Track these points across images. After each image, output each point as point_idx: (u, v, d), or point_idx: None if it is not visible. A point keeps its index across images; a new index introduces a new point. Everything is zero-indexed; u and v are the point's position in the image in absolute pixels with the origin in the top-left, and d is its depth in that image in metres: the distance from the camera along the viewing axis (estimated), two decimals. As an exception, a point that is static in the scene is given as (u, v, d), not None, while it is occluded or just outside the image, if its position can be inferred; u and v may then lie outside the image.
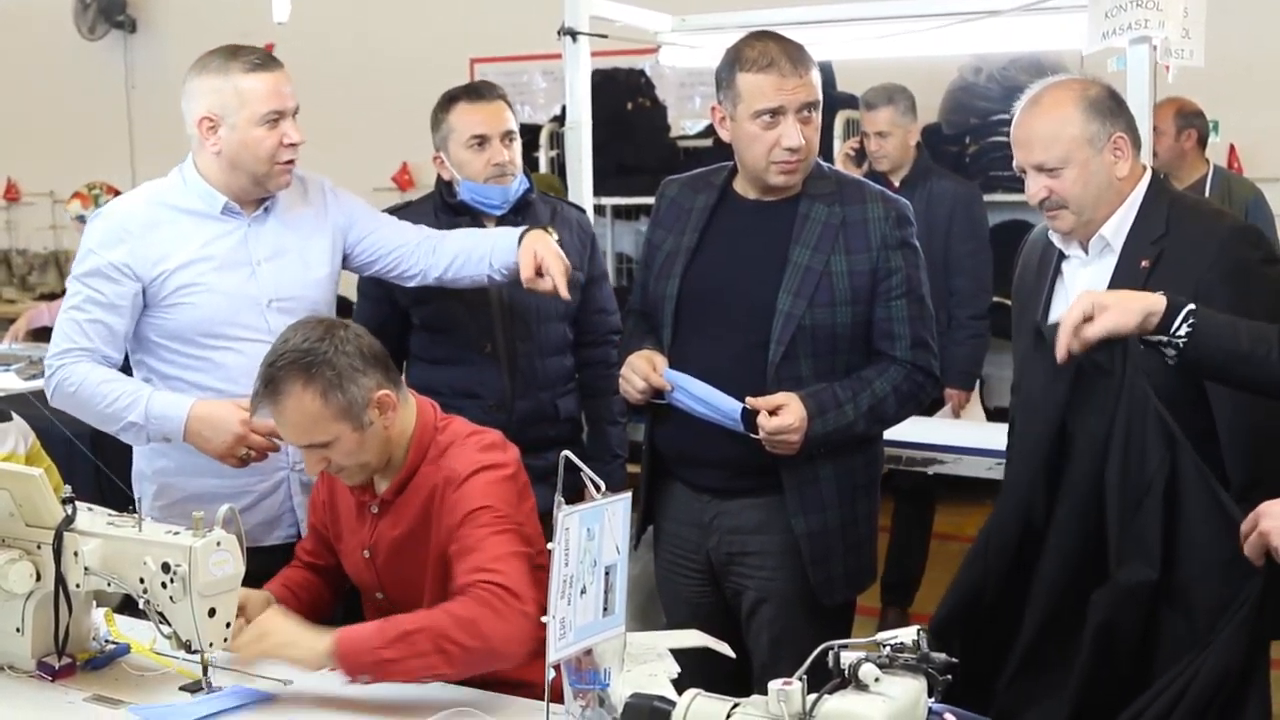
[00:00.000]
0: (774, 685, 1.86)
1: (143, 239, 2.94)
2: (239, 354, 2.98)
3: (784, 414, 2.84)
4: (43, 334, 6.32)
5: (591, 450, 3.64)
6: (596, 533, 1.89)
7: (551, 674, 1.99)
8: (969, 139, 6.82)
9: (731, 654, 2.27)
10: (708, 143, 6.92)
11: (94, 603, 2.59)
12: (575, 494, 1.92)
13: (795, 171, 2.93)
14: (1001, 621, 2.36)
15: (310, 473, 2.56)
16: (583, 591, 1.89)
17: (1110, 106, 2.68)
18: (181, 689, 2.44)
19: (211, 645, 2.37)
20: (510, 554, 2.46)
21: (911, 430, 3.61)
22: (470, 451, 2.58)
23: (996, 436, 3.45)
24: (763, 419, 2.84)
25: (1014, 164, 2.76)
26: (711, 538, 3.07)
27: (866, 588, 3.17)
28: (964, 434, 4.35)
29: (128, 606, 2.62)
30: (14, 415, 3.42)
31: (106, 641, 2.64)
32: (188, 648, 2.38)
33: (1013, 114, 2.76)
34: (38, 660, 2.50)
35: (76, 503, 2.49)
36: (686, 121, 7.58)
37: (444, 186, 3.51)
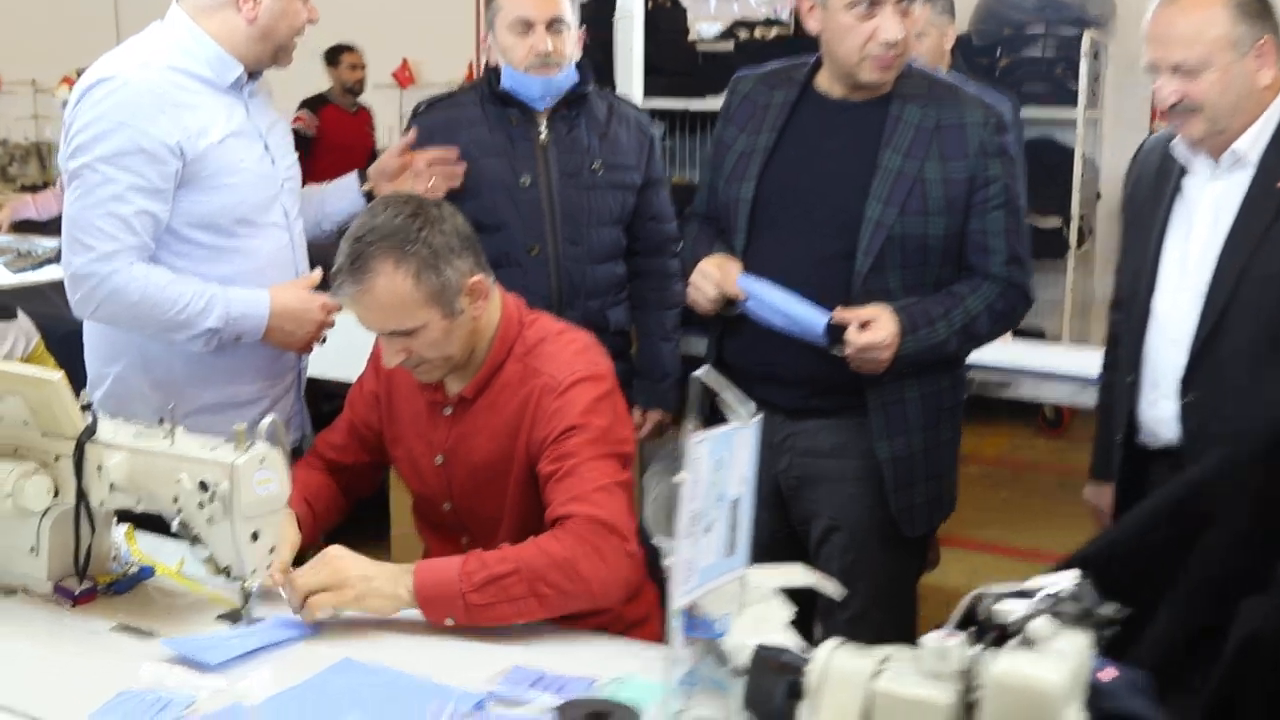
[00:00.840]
0: (930, 639, 1.61)
1: (181, 110, 2.58)
2: (268, 240, 2.73)
3: (875, 328, 2.60)
4: (26, 226, 6.00)
5: (641, 367, 3.40)
6: (724, 462, 1.62)
7: (676, 622, 1.74)
8: (1000, 51, 6.54)
9: (842, 593, 2.02)
10: (727, 46, 6.64)
11: (114, 520, 2.31)
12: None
13: (891, 68, 2.67)
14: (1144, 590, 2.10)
15: (387, 363, 2.29)
16: (707, 529, 1.63)
17: (1260, 8, 2.44)
18: (220, 618, 2.18)
19: (254, 573, 2.11)
20: (612, 484, 2.21)
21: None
22: (568, 355, 2.33)
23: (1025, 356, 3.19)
24: (852, 333, 2.59)
25: (1145, 62, 2.51)
26: (781, 460, 2.84)
27: (945, 519, 2.93)
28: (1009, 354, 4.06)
29: (144, 522, 2.35)
30: (20, 312, 3.09)
31: (128, 563, 2.38)
32: (227, 574, 2.12)
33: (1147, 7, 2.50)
34: (55, 584, 2.23)
35: (96, 411, 2.21)
36: (702, 25, 7.26)
37: (491, 74, 3.21)
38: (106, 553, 2.32)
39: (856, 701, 1.61)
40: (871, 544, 2.82)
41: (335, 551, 2.15)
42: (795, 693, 1.68)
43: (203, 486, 2.05)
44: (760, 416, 1.72)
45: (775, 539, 2.94)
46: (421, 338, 2.23)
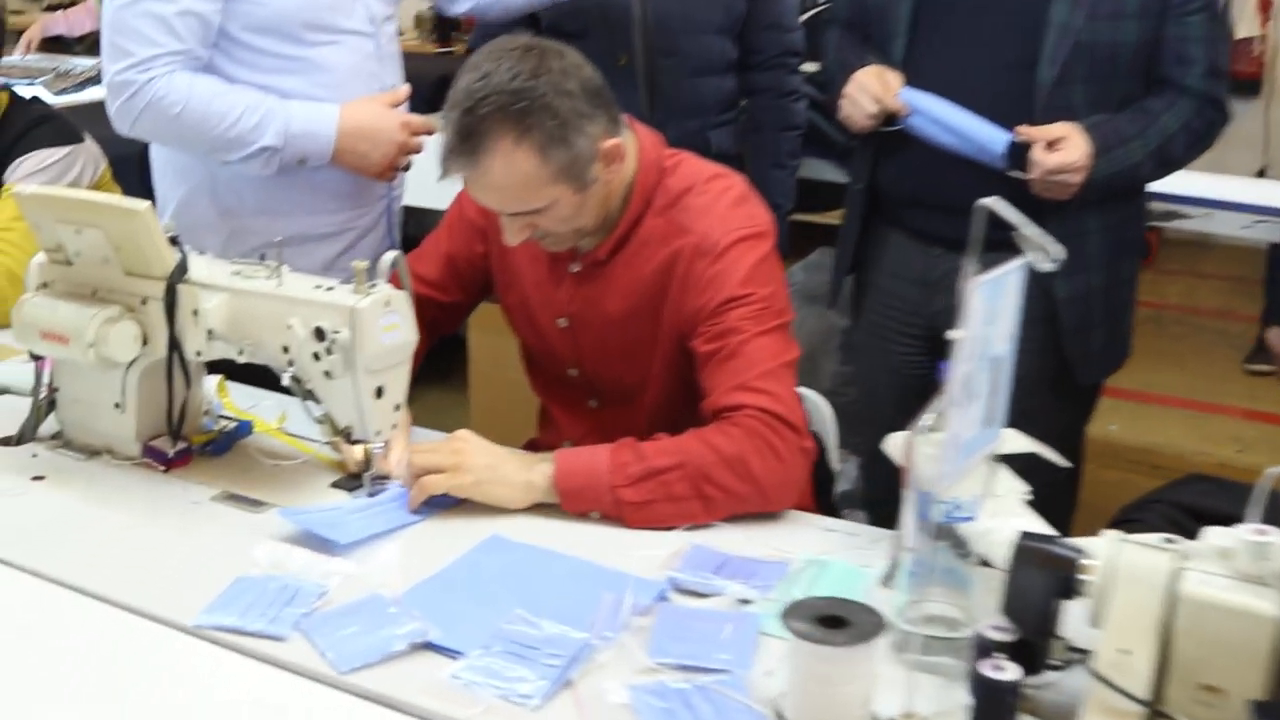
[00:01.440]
0: (1240, 533, 1.31)
1: None
2: (347, 50, 2.37)
3: (1065, 148, 2.26)
4: (55, 44, 5.60)
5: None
6: (995, 313, 1.30)
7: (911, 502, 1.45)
8: None
9: (1065, 463, 1.71)
10: None
11: (205, 370, 2.01)
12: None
13: None
14: None
15: (510, 241, 1.94)
16: (972, 396, 1.32)
17: None
18: (334, 485, 1.89)
19: (379, 434, 1.80)
20: (780, 367, 1.88)
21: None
22: (722, 209, 1.96)
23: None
24: (1039, 153, 2.25)
25: None
26: (939, 298, 2.52)
27: (1120, 366, 2.62)
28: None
29: (234, 373, 2.05)
30: (86, 136, 2.73)
31: (220, 417, 2.08)
32: (347, 436, 1.81)
33: None
34: (144, 444, 1.94)
35: (184, 245, 1.89)
36: None
37: None
38: (199, 408, 2.02)
39: (1153, 607, 1.31)
40: (1042, 393, 2.50)
41: (464, 434, 1.85)
42: (1066, 592, 1.38)
43: (319, 334, 1.74)
44: (1023, 259, 1.38)
45: (927, 384, 2.63)
46: (549, 215, 1.88)
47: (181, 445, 1.94)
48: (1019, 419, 2.51)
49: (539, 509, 1.81)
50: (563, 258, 2.04)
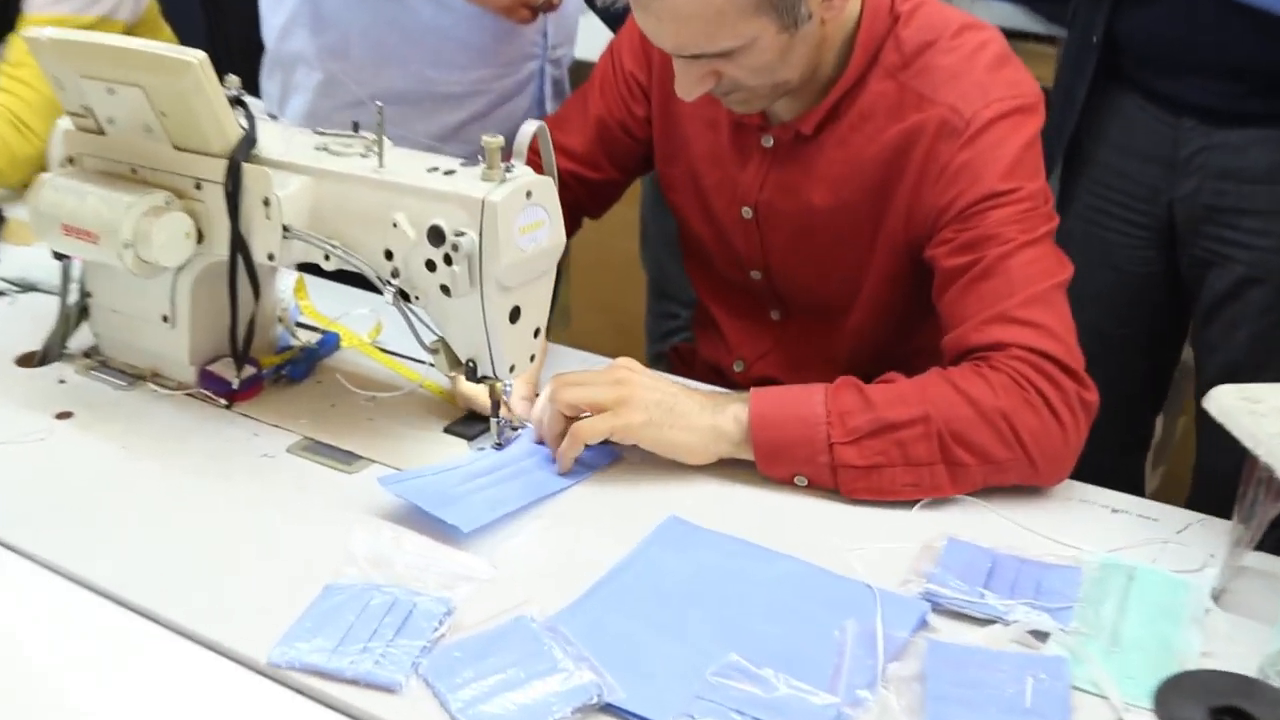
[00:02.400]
0: None
1: None
2: None
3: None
4: None
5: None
6: None
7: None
8: None
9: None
10: None
11: (277, 275, 1.54)
12: None
13: None
14: None
15: (687, 94, 1.43)
16: None
17: None
18: (450, 430, 1.42)
19: (514, 370, 1.33)
20: (1053, 288, 1.39)
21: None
22: (980, 72, 1.44)
23: None
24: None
25: None
26: (1186, 181, 2.01)
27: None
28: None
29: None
30: None
31: (298, 325, 1.62)
32: (470, 372, 1.34)
33: None
34: (200, 369, 1.48)
35: (252, 106, 1.40)
36: None
37: None
38: (272, 318, 1.55)
39: None
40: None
41: (626, 362, 1.39)
42: None
43: (435, 236, 1.26)
44: None
45: (1152, 282, 2.15)
46: (743, 60, 1.37)
47: (249, 372, 1.47)
48: (1273, 334, 2.05)
49: (718, 468, 1.33)
50: (751, 126, 1.53)
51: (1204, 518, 1.33)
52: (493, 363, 1.33)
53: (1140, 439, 2.38)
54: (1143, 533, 1.30)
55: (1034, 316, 1.36)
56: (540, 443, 1.38)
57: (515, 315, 1.32)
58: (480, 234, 1.25)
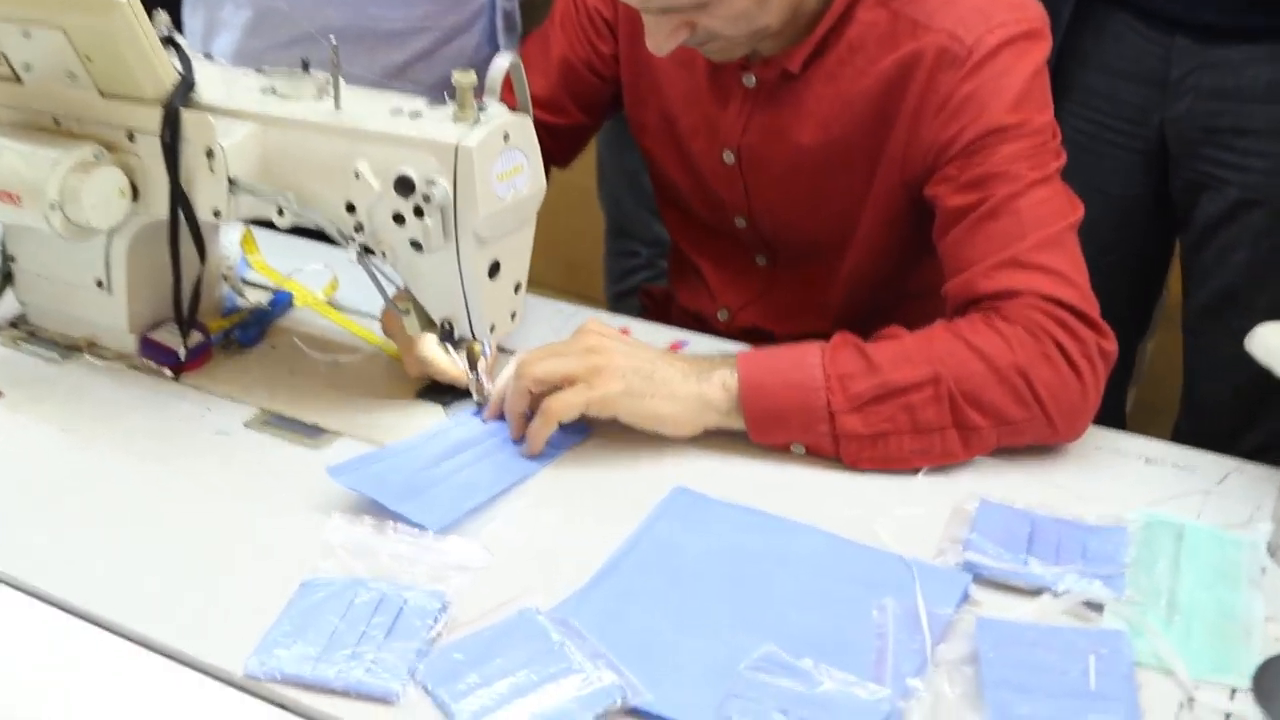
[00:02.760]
0: None
1: None
2: None
3: None
4: None
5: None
6: None
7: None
8: None
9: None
10: None
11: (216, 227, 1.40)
12: None
13: None
14: None
15: (660, 50, 1.29)
16: None
17: None
18: (424, 396, 1.30)
19: (494, 329, 1.20)
20: (1065, 230, 1.28)
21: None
22: None
23: None
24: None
25: None
26: (1179, 102, 1.91)
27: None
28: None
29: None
30: None
31: (245, 282, 1.49)
32: (446, 334, 1.21)
33: None
34: (141, 336, 1.34)
35: (185, 47, 1.26)
36: None
37: None
38: (217, 279, 1.41)
39: None
40: (1301, 226, 1.92)
41: (596, 325, 1.25)
42: None
43: (403, 186, 1.13)
44: None
45: (1140, 206, 2.06)
46: (718, 10, 1.23)
47: (196, 339, 1.33)
48: (1270, 258, 1.97)
49: (708, 436, 1.22)
50: (730, 65, 1.40)
51: (1240, 464, 1.24)
52: (471, 322, 1.21)
53: (1125, 367, 2.30)
54: (1180, 484, 1.21)
55: (1047, 261, 1.25)
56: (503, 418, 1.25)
57: (494, 270, 1.19)
58: (454, 183, 1.13)
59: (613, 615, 0.99)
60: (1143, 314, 2.22)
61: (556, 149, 1.54)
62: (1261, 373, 2.13)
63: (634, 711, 0.91)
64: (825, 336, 1.24)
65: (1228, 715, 0.94)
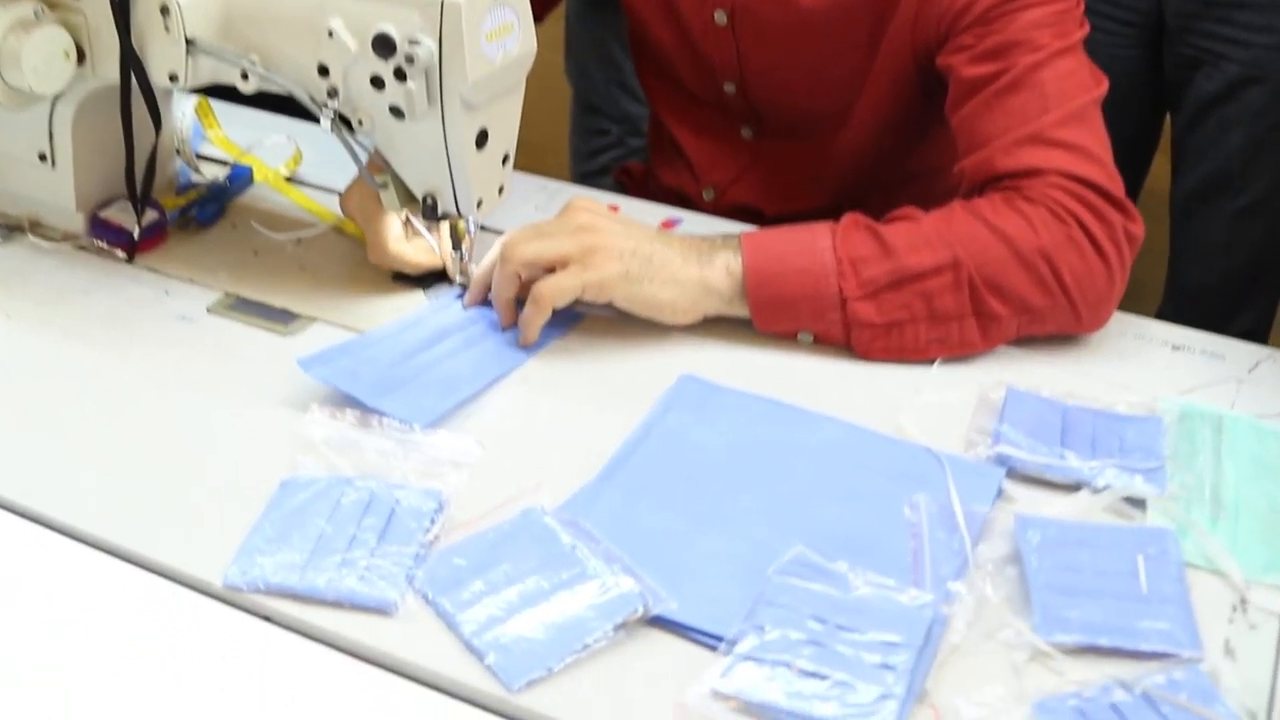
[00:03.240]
0: None
1: None
2: None
3: None
4: None
5: None
6: None
7: None
8: None
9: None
10: None
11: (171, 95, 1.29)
12: None
13: None
14: None
15: None
16: None
17: None
18: (401, 278, 1.21)
19: (480, 205, 1.11)
20: (1090, 104, 1.19)
21: None
22: None
23: None
24: None
25: None
26: (1179, -23, 1.82)
27: None
28: None
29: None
30: None
31: (199, 157, 1.38)
32: (429, 210, 1.11)
33: None
34: (90, 215, 1.23)
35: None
36: None
37: None
38: (171, 151, 1.30)
39: None
40: (1301, 104, 1.86)
41: (585, 203, 1.15)
42: None
43: (383, 46, 1.02)
44: None
45: (1138, 83, 1.98)
46: None
47: (151, 217, 1.23)
48: (1269, 137, 1.91)
49: (710, 322, 1.14)
50: (725, -87, 1.29)
51: (1272, 351, 1.17)
52: (455, 197, 1.11)
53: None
54: (1210, 372, 1.14)
55: (1072, 137, 1.17)
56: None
57: (482, 139, 1.09)
58: (440, 42, 1.02)
59: (625, 514, 0.91)
60: (1130, 198, 2.15)
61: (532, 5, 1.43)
62: (1251, 257, 2.09)
63: (656, 620, 0.83)
64: (821, 216, 1.15)
65: (1283, 617, 0.88)
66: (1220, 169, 1.94)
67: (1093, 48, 1.95)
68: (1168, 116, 2.05)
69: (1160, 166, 2.12)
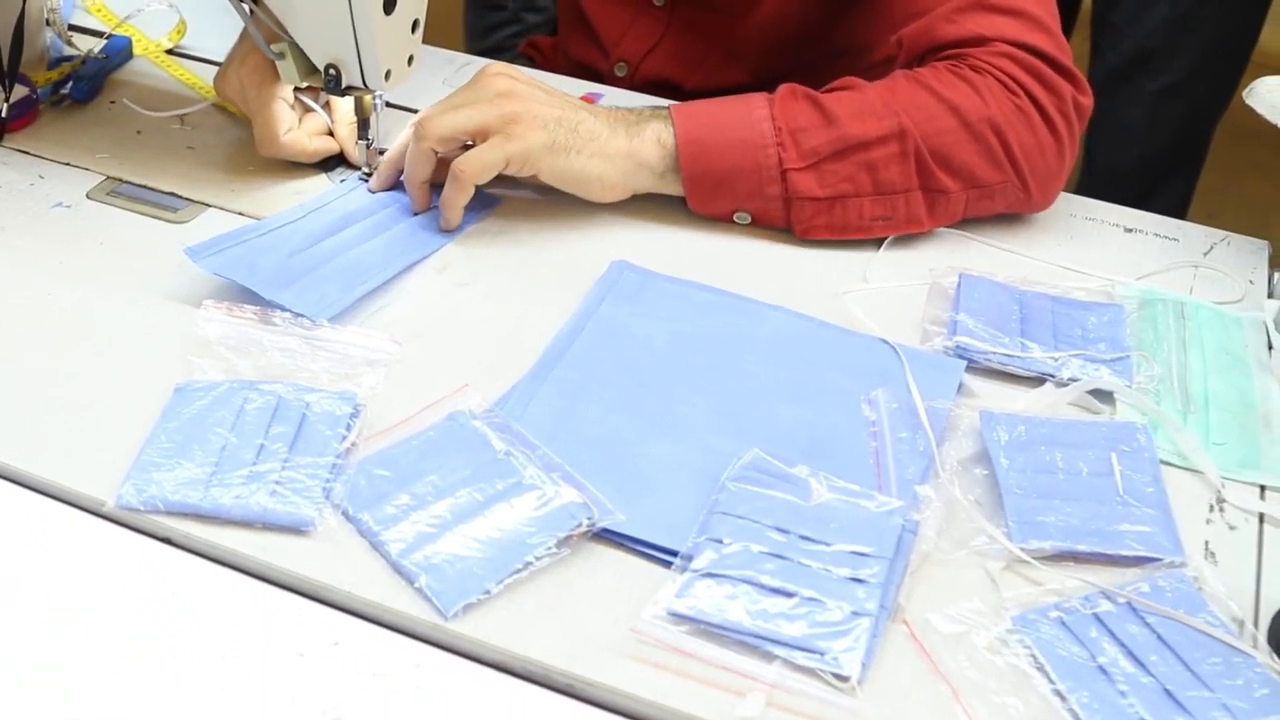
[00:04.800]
0: None
1: None
2: None
3: None
4: None
5: None
6: None
7: None
8: None
9: None
10: None
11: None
12: None
13: None
14: None
15: None
16: None
17: None
18: (316, 166, 1.10)
19: (389, 76, 1.01)
20: None
21: None
22: None
23: None
24: None
25: None
26: None
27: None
28: None
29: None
30: None
31: (71, 28, 1.25)
32: (331, 83, 1.01)
33: None
34: (-51, 91, 1.10)
35: None
36: None
37: None
38: (40, 25, 1.17)
39: None
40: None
41: (500, 67, 1.04)
42: None
43: (277, -103, 0.91)
44: None
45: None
46: None
47: (20, 93, 1.10)
48: (1187, 18, 1.86)
49: (638, 203, 1.05)
50: None
51: (1228, 235, 1.12)
52: (362, 68, 1.01)
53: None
54: (1166, 256, 1.09)
55: (1018, 3, 1.09)
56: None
57: (390, 4, 0.98)
58: (342, -111, 0.90)
59: (563, 416, 0.83)
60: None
61: None
62: (1170, 138, 2.05)
63: (603, 534, 0.75)
64: (744, 92, 1.06)
65: (1261, 516, 0.83)
66: (1141, 47, 1.89)
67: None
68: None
69: (1078, 46, 2.06)
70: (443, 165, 1.02)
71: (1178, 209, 2.05)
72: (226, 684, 0.66)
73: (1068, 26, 2.08)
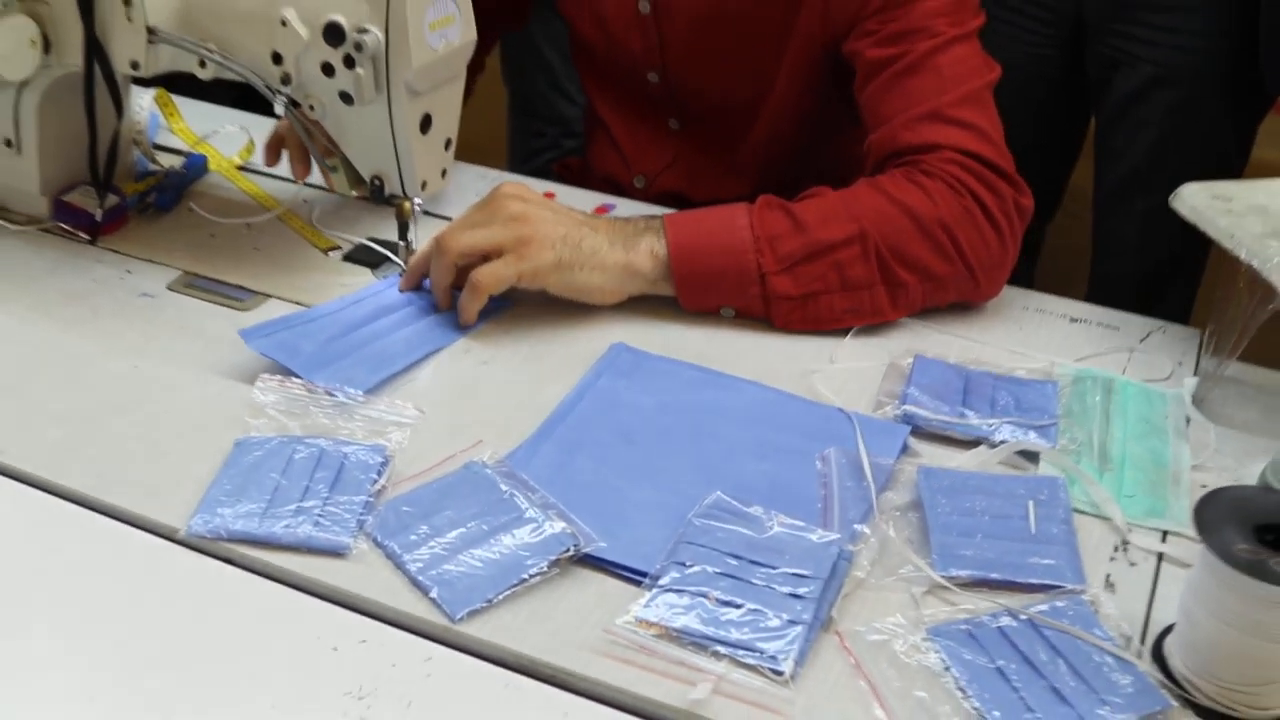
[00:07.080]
0: None
1: None
2: None
3: None
4: None
5: None
6: None
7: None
8: None
9: None
10: None
11: (131, 85, 1.35)
12: None
13: None
14: None
15: None
16: None
17: None
18: (351, 259, 1.28)
19: (425, 186, 1.18)
20: (984, 87, 1.29)
21: None
22: None
23: None
24: None
25: None
26: (1098, -20, 1.92)
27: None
28: None
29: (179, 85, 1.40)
30: None
31: (156, 147, 1.44)
32: (376, 192, 1.19)
33: None
34: (54, 199, 1.29)
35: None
36: None
37: None
38: (129, 141, 1.36)
39: None
40: (1208, 104, 1.95)
41: (514, 189, 1.21)
42: None
43: (333, 34, 1.09)
44: None
45: (1057, 84, 2.07)
46: None
47: (112, 201, 1.29)
48: (1173, 137, 2.00)
49: (633, 305, 1.22)
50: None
51: (1164, 325, 1.27)
52: (401, 179, 1.18)
53: (1033, 246, 2.34)
54: (1105, 341, 1.24)
55: (967, 116, 1.26)
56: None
57: (426, 124, 1.17)
58: (386, 31, 1.09)
59: (560, 467, 0.99)
60: (1054, 197, 2.24)
61: (508, 6, 1.51)
62: (1165, 254, 2.18)
63: (587, 559, 0.90)
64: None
65: (1160, 555, 0.96)
66: (1134, 169, 2.03)
67: (1014, 46, 2.06)
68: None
69: (1086, 167, 2.21)
70: (463, 272, 1.18)
71: (1182, 310, 2.15)
72: (276, 672, 0.81)
73: (1073, 149, 2.22)
